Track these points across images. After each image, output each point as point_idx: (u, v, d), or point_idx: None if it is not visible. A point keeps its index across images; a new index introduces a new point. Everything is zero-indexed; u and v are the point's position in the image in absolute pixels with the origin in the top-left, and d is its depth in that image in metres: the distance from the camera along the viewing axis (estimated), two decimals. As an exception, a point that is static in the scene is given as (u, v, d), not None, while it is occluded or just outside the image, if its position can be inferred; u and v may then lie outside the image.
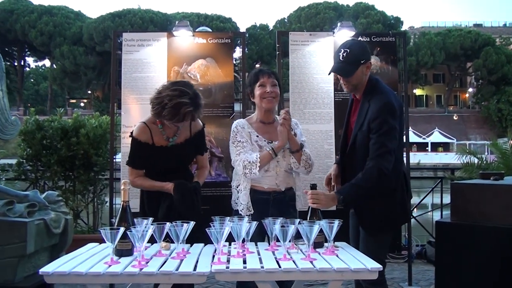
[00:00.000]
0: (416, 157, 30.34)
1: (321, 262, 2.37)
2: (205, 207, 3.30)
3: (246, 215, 3.05)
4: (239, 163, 3.12)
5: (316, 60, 4.72)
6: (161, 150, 3.18)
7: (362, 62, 2.98)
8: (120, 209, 2.55)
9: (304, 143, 3.29)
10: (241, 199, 3.16)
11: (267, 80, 3.21)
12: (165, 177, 3.16)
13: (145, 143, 3.16)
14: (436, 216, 7.38)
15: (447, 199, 6.83)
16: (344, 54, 2.98)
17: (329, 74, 3.18)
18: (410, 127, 4.96)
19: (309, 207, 2.78)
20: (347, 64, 2.98)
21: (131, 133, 3.23)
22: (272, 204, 3.17)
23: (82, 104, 59.76)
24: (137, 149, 3.18)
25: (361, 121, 3.01)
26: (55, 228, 3.71)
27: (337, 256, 2.51)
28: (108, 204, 5.50)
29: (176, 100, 2.97)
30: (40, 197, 3.79)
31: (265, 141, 3.22)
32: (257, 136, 3.22)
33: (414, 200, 5.27)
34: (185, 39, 4.73)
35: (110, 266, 2.29)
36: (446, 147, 44.46)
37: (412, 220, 5.61)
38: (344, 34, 4.77)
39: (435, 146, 43.77)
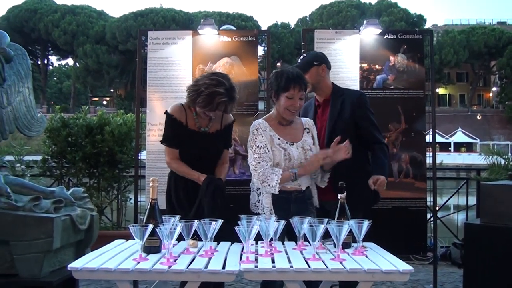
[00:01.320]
0: (438, 157, 29.93)
1: (351, 262, 2.34)
2: (229, 205, 3.29)
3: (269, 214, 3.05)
4: (258, 177, 3.07)
5: (341, 58, 4.67)
6: (193, 134, 3.22)
7: (315, 63, 3.49)
8: (148, 206, 2.56)
9: None
10: (264, 202, 3.11)
11: (297, 94, 3.11)
12: (194, 166, 3.19)
13: (179, 122, 3.22)
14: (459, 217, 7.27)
15: (471, 200, 6.74)
16: (301, 57, 3.65)
17: None
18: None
19: (336, 207, 2.74)
20: (301, 64, 3.51)
21: (166, 111, 3.28)
22: (293, 203, 3.14)
23: (104, 102, 60.45)
24: (172, 126, 3.23)
25: (337, 111, 3.43)
26: (81, 224, 3.73)
27: (366, 256, 2.48)
28: (131, 201, 5.53)
29: (212, 89, 3.05)
30: (66, 193, 3.81)
31: (287, 143, 3.15)
32: (279, 139, 3.15)
33: (438, 201, 5.17)
34: (210, 37, 4.72)
35: (138, 263, 2.29)
36: (469, 147, 43.90)
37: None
38: (370, 32, 4.71)
39: (458, 146, 43.25)
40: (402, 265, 2.30)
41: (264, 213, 3.07)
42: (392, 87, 4.71)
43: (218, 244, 2.74)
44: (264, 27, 52.15)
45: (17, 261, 3.30)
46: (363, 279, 2.27)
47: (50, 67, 64.05)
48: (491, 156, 7.21)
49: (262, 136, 3.10)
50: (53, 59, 62.63)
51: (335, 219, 2.65)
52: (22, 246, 3.30)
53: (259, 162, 3.07)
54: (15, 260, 3.31)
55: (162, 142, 3.30)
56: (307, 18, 54.04)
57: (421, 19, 51.29)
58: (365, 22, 4.79)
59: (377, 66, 4.72)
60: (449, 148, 42.10)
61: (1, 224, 3.31)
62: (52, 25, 50.10)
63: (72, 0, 54.01)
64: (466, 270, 3.93)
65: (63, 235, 3.48)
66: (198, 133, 3.23)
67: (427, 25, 53.37)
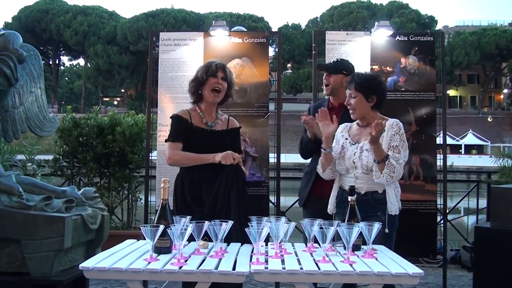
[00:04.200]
0: (449, 160, 29.64)
1: (361, 265, 2.34)
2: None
3: (331, 213, 3.24)
4: None
5: (352, 60, 4.59)
6: (199, 131, 3.33)
7: (344, 72, 3.73)
8: (160, 207, 2.57)
9: (395, 152, 3.08)
10: (330, 197, 3.31)
11: (348, 93, 3.25)
12: (202, 165, 3.27)
13: (185, 119, 3.36)
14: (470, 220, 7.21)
15: (481, 203, 6.69)
16: (336, 60, 3.90)
17: (318, 68, 4.07)
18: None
19: (347, 209, 2.75)
20: (334, 66, 3.80)
21: (171, 115, 3.44)
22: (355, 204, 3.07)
23: (115, 103, 60.72)
24: (176, 123, 3.38)
25: None
26: (92, 223, 3.75)
27: (376, 259, 2.48)
28: (142, 201, 5.55)
29: (206, 63, 3.51)
30: (78, 193, 3.83)
31: (349, 142, 3.23)
32: (346, 139, 3.25)
33: (448, 203, 5.13)
34: (221, 39, 4.73)
35: (149, 263, 2.31)
36: (480, 149, 43.56)
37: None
38: (381, 34, 4.70)
39: (469, 149, 42.94)
40: (412, 268, 2.29)
41: (329, 208, 3.30)
42: (403, 89, 4.70)
43: (228, 245, 2.74)
44: (274, 28, 52.29)
45: (28, 259, 3.32)
46: (373, 282, 2.27)
47: (62, 67, 64.52)
48: (502, 159, 7.14)
49: (337, 136, 3.31)
50: (65, 59, 63.23)
51: (345, 221, 2.65)
52: (33, 245, 3.32)
53: None
54: (26, 258, 3.33)
55: (166, 140, 3.41)
56: (318, 19, 53.93)
57: (432, 20, 51.00)
58: (376, 23, 4.78)
59: (388, 68, 4.71)
60: (460, 150, 41.78)
61: (12, 223, 3.33)
62: (63, 25, 50.38)
63: (83, 1, 54.67)
64: (476, 274, 3.90)
65: (74, 234, 3.50)
66: (204, 130, 3.34)
67: (438, 26, 53.05)
